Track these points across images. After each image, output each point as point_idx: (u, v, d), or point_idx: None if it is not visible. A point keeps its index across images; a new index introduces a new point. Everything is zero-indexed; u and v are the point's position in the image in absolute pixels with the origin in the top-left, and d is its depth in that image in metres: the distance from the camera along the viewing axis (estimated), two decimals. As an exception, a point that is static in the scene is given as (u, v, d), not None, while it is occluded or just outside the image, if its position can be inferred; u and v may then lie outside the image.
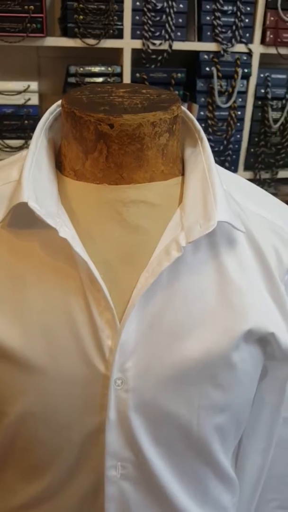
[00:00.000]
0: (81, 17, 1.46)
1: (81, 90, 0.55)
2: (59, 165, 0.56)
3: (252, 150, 1.71)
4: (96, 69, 1.55)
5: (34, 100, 1.54)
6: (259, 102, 1.67)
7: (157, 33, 1.53)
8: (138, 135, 0.50)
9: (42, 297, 0.51)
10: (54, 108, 0.57)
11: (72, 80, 1.53)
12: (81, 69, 1.53)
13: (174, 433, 0.53)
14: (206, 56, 1.59)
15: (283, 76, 1.67)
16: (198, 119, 1.64)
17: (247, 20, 1.58)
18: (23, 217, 0.51)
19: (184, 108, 0.56)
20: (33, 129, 0.56)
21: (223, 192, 0.52)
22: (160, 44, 1.54)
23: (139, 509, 0.55)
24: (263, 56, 1.63)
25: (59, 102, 0.56)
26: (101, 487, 0.53)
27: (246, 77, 1.64)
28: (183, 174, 0.57)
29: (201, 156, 0.55)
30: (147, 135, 0.51)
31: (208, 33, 1.57)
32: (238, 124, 1.66)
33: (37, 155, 0.53)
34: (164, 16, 1.52)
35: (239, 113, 1.65)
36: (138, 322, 0.50)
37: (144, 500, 0.55)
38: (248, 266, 0.54)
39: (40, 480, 0.55)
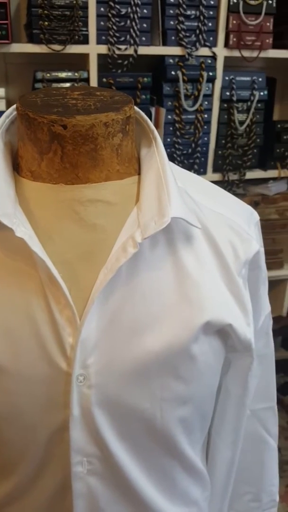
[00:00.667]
0: (46, 23, 1.47)
1: (36, 93, 0.56)
2: (17, 167, 0.57)
3: (219, 152, 1.74)
4: (63, 74, 1.56)
5: (2, 106, 1.54)
6: (225, 105, 1.70)
7: (122, 38, 1.55)
8: (92, 135, 0.51)
9: (2, 298, 0.51)
10: (11, 111, 0.58)
11: (39, 85, 1.53)
12: (48, 74, 1.54)
13: (139, 426, 0.54)
14: (171, 60, 1.61)
15: (247, 78, 1.70)
16: (165, 123, 1.67)
17: (210, 24, 1.60)
18: None
19: (138, 109, 0.58)
20: (0, 134, 0.57)
21: (177, 189, 0.54)
22: (126, 49, 1.56)
23: (108, 505, 0.56)
24: (227, 59, 1.66)
25: (15, 105, 0.57)
26: (69, 484, 0.54)
27: (211, 80, 1.66)
28: (139, 173, 0.58)
29: (155, 155, 0.56)
30: (101, 135, 0.52)
31: (173, 38, 1.59)
32: (205, 127, 1.68)
33: None
34: (128, 22, 1.53)
35: (205, 116, 1.67)
36: (98, 318, 0.51)
37: (112, 495, 0.56)
38: (205, 261, 0.56)
39: (7, 481, 0.55)
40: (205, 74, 1.62)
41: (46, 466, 0.54)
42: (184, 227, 0.55)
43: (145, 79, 1.60)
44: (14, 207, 0.52)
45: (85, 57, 1.56)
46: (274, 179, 1.84)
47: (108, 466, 0.54)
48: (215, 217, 0.58)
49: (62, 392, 0.51)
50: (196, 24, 1.59)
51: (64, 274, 0.51)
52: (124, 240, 0.52)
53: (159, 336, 0.52)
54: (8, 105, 1.59)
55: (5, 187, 0.53)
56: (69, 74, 1.56)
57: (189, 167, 1.68)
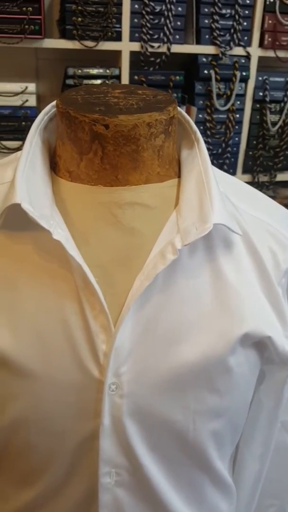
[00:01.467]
0: (79, 19, 1.46)
1: (76, 91, 0.54)
2: (54, 166, 0.55)
3: (250, 153, 1.71)
4: (95, 71, 1.55)
5: (32, 101, 1.54)
6: (257, 105, 1.67)
7: (156, 36, 1.53)
8: (134, 136, 0.50)
9: (35, 301, 0.50)
10: (49, 108, 0.57)
11: (70, 82, 1.53)
12: (79, 71, 1.53)
13: (170, 438, 0.52)
14: (204, 59, 1.59)
15: (281, 79, 1.67)
16: (196, 122, 1.65)
17: (245, 23, 1.58)
18: (17, 219, 0.50)
19: (180, 109, 0.56)
20: (30, 130, 0.56)
21: (219, 194, 0.52)
22: (159, 46, 1.54)
23: None
24: (261, 59, 1.63)
25: (54, 102, 0.56)
26: (95, 494, 0.52)
27: (245, 80, 1.63)
28: (179, 176, 0.56)
29: (198, 157, 0.54)
30: (143, 136, 0.50)
31: (207, 36, 1.57)
32: (237, 127, 1.66)
33: (31, 156, 0.53)
34: (162, 19, 1.52)
35: (237, 116, 1.65)
36: (133, 326, 0.49)
37: (139, 507, 0.54)
38: (245, 268, 0.54)
39: (33, 487, 0.54)
40: (238, 73, 1.60)
41: (73, 474, 0.53)
42: (224, 233, 0.53)
43: (177, 77, 1.59)
44: (51, 208, 0.50)
45: (117, 54, 1.55)
46: (305, 182, 1.80)
47: (137, 478, 0.53)
48: (254, 223, 0.56)
49: (93, 400, 0.50)
50: (231, 23, 1.57)
51: (99, 279, 0.49)
52: (162, 246, 0.50)
53: (195, 346, 0.50)
54: (39, 101, 1.58)
55: (42, 187, 0.51)
56: (101, 71, 1.55)
57: (219, 168, 1.64)
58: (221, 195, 0.53)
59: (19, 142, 1.54)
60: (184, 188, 0.53)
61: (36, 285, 0.50)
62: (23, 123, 1.53)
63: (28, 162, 0.52)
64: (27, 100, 1.53)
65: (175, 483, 0.55)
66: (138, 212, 0.52)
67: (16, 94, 1.51)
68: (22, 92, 1.52)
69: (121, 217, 0.52)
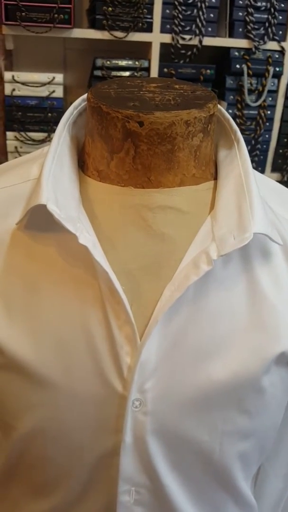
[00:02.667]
0: (110, 9, 1.42)
1: (109, 84, 0.51)
2: (82, 164, 0.52)
3: (280, 151, 1.66)
4: (123, 62, 1.51)
5: (59, 92, 1.51)
6: (290, 102, 1.62)
7: (187, 28, 1.49)
8: (170, 134, 0.46)
9: (58, 307, 0.47)
10: (79, 102, 0.53)
11: (98, 73, 1.49)
12: (108, 62, 1.49)
13: (194, 459, 0.49)
14: (236, 53, 1.54)
15: (316, 76, 1.61)
16: (226, 118, 1.60)
17: (280, 17, 1.53)
18: (41, 219, 0.47)
19: (220, 106, 0.52)
20: (56, 122, 0.53)
21: (260, 201, 0.48)
22: (190, 39, 1.49)
23: None
24: (296, 54, 1.57)
25: (85, 96, 0.52)
26: None
27: (278, 76, 1.58)
28: (215, 178, 0.52)
29: (237, 159, 0.50)
30: (180, 135, 0.46)
31: (240, 29, 1.52)
32: (268, 123, 1.61)
33: (59, 152, 0.49)
34: (195, 11, 1.47)
35: (268, 112, 1.60)
36: (160, 339, 0.46)
37: None
38: (284, 282, 0.50)
39: (47, 499, 0.52)
40: (271, 69, 1.55)
41: (90, 490, 0.50)
42: (262, 242, 0.49)
43: (208, 71, 1.54)
44: (78, 209, 0.47)
45: (147, 45, 1.51)
46: None
47: (157, 498, 0.50)
48: None
49: (115, 415, 0.47)
50: (265, 16, 1.52)
51: (126, 287, 0.46)
52: (195, 255, 0.46)
53: (226, 364, 0.47)
54: (65, 92, 1.55)
55: (69, 187, 0.48)
56: (130, 62, 1.51)
57: (247, 166, 1.61)
58: (262, 201, 0.49)
59: (45, 134, 1.51)
60: (221, 192, 0.49)
61: (59, 291, 0.47)
62: (49, 114, 1.50)
63: (56, 159, 0.49)
64: (54, 91, 1.50)
65: (197, 504, 0.52)
66: (170, 216, 0.48)
67: (43, 84, 1.49)
68: (49, 83, 1.49)
69: (151, 222, 0.48)
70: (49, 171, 0.47)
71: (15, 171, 0.53)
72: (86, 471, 0.49)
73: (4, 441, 0.51)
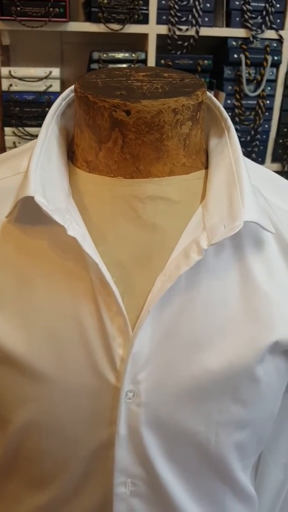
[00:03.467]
0: (105, 1, 1.41)
1: (96, 74, 0.50)
2: (72, 155, 0.51)
3: (280, 141, 1.65)
4: (120, 55, 1.50)
5: (56, 86, 1.50)
6: (289, 91, 1.60)
7: (184, 18, 1.47)
8: (158, 123, 0.45)
9: (49, 300, 0.47)
10: (68, 93, 0.53)
11: (95, 66, 1.49)
12: (105, 55, 1.49)
13: (190, 450, 0.49)
14: (234, 43, 1.53)
15: (315, 64, 1.60)
16: (224, 108, 1.58)
17: (278, 5, 1.51)
18: (31, 212, 0.47)
19: (210, 94, 0.51)
20: (54, 117, 0.52)
21: (251, 189, 0.47)
22: (187, 29, 1.48)
23: None
24: (294, 43, 1.56)
25: (73, 87, 0.52)
26: (109, 504, 0.50)
27: (276, 64, 1.57)
28: (207, 167, 0.52)
29: (228, 147, 0.50)
30: (168, 123, 0.46)
31: (237, 19, 1.51)
32: (267, 113, 1.60)
33: (47, 144, 0.49)
34: (191, 1, 1.46)
35: (267, 102, 1.59)
36: (153, 330, 0.46)
37: None
38: (276, 270, 0.49)
39: (45, 492, 0.52)
40: (269, 58, 1.54)
41: (86, 483, 0.50)
42: (255, 231, 0.48)
43: (206, 61, 1.53)
44: (67, 201, 0.47)
45: (143, 37, 1.50)
46: None
47: (153, 489, 0.50)
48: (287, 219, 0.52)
49: (108, 407, 0.47)
50: (263, 4, 1.51)
51: (117, 278, 0.46)
52: (186, 244, 0.46)
53: (219, 354, 0.47)
54: (63, 86, 1.55)
55: (58, 179, 0.48)
56: (126, 55, 1.50)
57: (247, 156, 1.59)
58: (253, 189, 0.48)
59: (42, 129, 1.51)
60: (212, 181, 0.49)
61: (50, 284, 0.47)
62: (47, 108, 1.49)
63: (44, 151, 0.48)
64: (51, 85, 1.49)
65: (194, 495, 0.52)
66: (160, 206, 0.48)
67: (40, 79, 1.48)
68: (46, 77, 1.48)
69: (142, 212, 0.48)
70: (37, 163, 0.47)
71: (7, 164, 0.53)
72: (82, 463, 0.49)
73: (1, 434, 0.51)
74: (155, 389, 0.46)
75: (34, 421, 0.48)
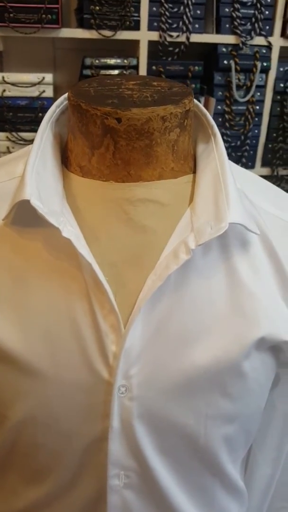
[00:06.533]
0: (97, 8, 1.44)
1: (89, 82, 0.52)
2: (65, 160, 0.54)
3: (270, 145, 1.68)
4: (112, 61, 1.52)
5: (49, 92, 1.52)
6: (278, 97, 1.63)
7: (175, 25, 1.50)
8: (147, 130, 0.48)
9: (44, 299, 0.49)
10: (61, 101, 0.55)
11: (87, 72, 1.51)
12: (97, 61, 1.51)
13: (180, 442, 0.51)
14: (224, 49, 1.55)
15: (303, 70, 1.63)
16: (215, 113, 1.61)
17: (267, 12, 1.54)
18: (26, 215, 0.49)
19: (197, 102, 0.53)
20: (48, 122, 0.54)
21: (236, 192, 0.50)
22: (178, 36, 1.51)
23: None
24: (283, 49, 1.59)
25: (66, 94, 0.54)
26: (104, 496, 0.52)
27: (265, 70, 1.59)
28: (195, 171, 0.54)
29: (214, 152, 0.52)
30: (157, 130, 0.48)
31: (227, 25, 1.53)
32: (256, 119, 1.62)
33: (42, 149, 0.51)
34: (182, 8, 1.48)
35: (257, 107, 1.61)
36: (144, 327, 0.48)
37: (147, 510, 0.53)
38: (262, 270, 0.52)
39: (41, 485, 0.54)
40: (259, 64, 1.56)
41: (81, 475, 0.52)
42: (241, 232, 0.50)
43: (196, 67, 1.56)
44: (62, 204, 0.49)
45: (135, 43, 1.52)
46: None
47: (146, 481, 0.52)
48: (274, 222, 0.54)
49: (101, 401, 0.49)
50: (252, 11, 1.53)
51: (110, 278, 0.48)
52: (175, 245, 0.48)
53: (207, 350, 0.49)
54: (55, 92, 1.57)
55: (53, 182, 0.50)
56: (118, 61, 1.52)
57: (237, 160, 1.62)
58: (238, 192, 0.51)
59: (35, 134, 1.53)
60: (199, 185, 0.51)
61: (46, 283, 0.49)
62: (40, 114, 1.52)
63: (39, 156, 0.50)
64: (44, 91, 1.51)
65: (184, 487, 0.54)
66: (150, 209, 0.50)
67: (33, 84, 1.50)
68: (39, 83, 1.50)
69: (133, 214, 0.50)
70: (32, 168, 0.49)
71: (3, 169, 0.55)
72: (77, 456, 0.51)
73: None
74: (146, 383, 0.48)
75: (30, 416, 0.50)
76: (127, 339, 0.47)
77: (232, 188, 0.49)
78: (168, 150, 0.50)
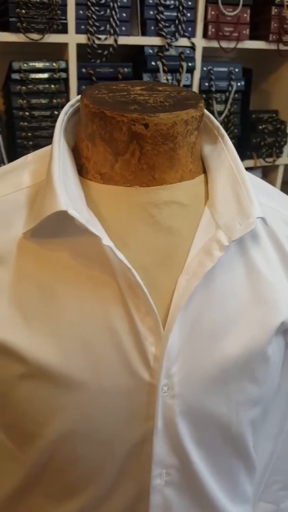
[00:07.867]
0: (23, 11, 1.41)
1: (98, 89, 0.52)
2: (79, 168, 0.53)
3: (199, 143, 1.73)
4: (41, 64, 1.50)
5: (-23, 98, 1.47)
6: (204, 95, 1.70)
7: (102, 28, 1.51)
8: (172, 134, 0.49)
9: (77, 308, 0.48)
10: (68, 108, 0.54)
11: (16, 76, 1.47)
12: (25, 65, 1.48)
13: (215, 432, 0.53)
14: (151, 51, 1.59)
15: (225, 69, 1.71)
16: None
17: (189, 14, 1.59)
18: (50, 226, 0.48)
19: None
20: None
21: (253, 189, 0.53)
22: (106, 38, 1.52)
23: None
24: (205, 49, 1.65)
25: (72, 102, 0.54)
26: (144, 497, 0.52)
27: (191, 70, 1.65)
28: (204, 171, 0.56)
29: (225, 153, 0.54)
30: (180, 134, 0.49)
31: (152, 28, 1.57)
32: (185, 117, 1.67)
33: (62, 159, 0.50)
34: (108, 11, 1.50)
35: (185, 106, 1.66)
36: (180, 326, 0.49)
37: (186, 504, 0.54)
38: (272, 258, 0.55)
39: (75, 500, 0.53)
40: (184, 64, 1.61)
41: (122, 481, 0.52)
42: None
43: (125, 69, 1.58)
44: (88, 212, 0.49)
45: (63, 46, 1.51)
46: (250, 169, 1.86)
47: (185, 476, 0.53)
48: (272, 214, 0.58)
49: (144, 403, 0.49)
50: (175, 14, 1.58)
51: (143, 281, 0.48)
52: (205, 243, 0.50)
53: (237, 340, 0.51)
54: (-16, 97, 1.51)
55: (77, 191, 0.49)
56: (47, 64, 1.51)
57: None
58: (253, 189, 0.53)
59: None
60: (215, 183, 0.53)
61: (77, 293, 0.48)
62: None
63: (61, 165, 0.50)
64: (-29, 97, 1.46)
65: (216, 475, 0.55)
66: (174, 210, 0.51)
67: None
68: None
69: (159, 217, 0.51)
70: (59, 177, 0.48)
71: (4, 182, 0.54)
72: (117, 464, 0.51)
73: (22, 454, 0.52)
74: (186, 379, 0.49)
75: (69, 430, 0.49)
76: (169, 339, 0.48)
77: (250, 185, 0.52)
78: (188, 152, 0.51)
